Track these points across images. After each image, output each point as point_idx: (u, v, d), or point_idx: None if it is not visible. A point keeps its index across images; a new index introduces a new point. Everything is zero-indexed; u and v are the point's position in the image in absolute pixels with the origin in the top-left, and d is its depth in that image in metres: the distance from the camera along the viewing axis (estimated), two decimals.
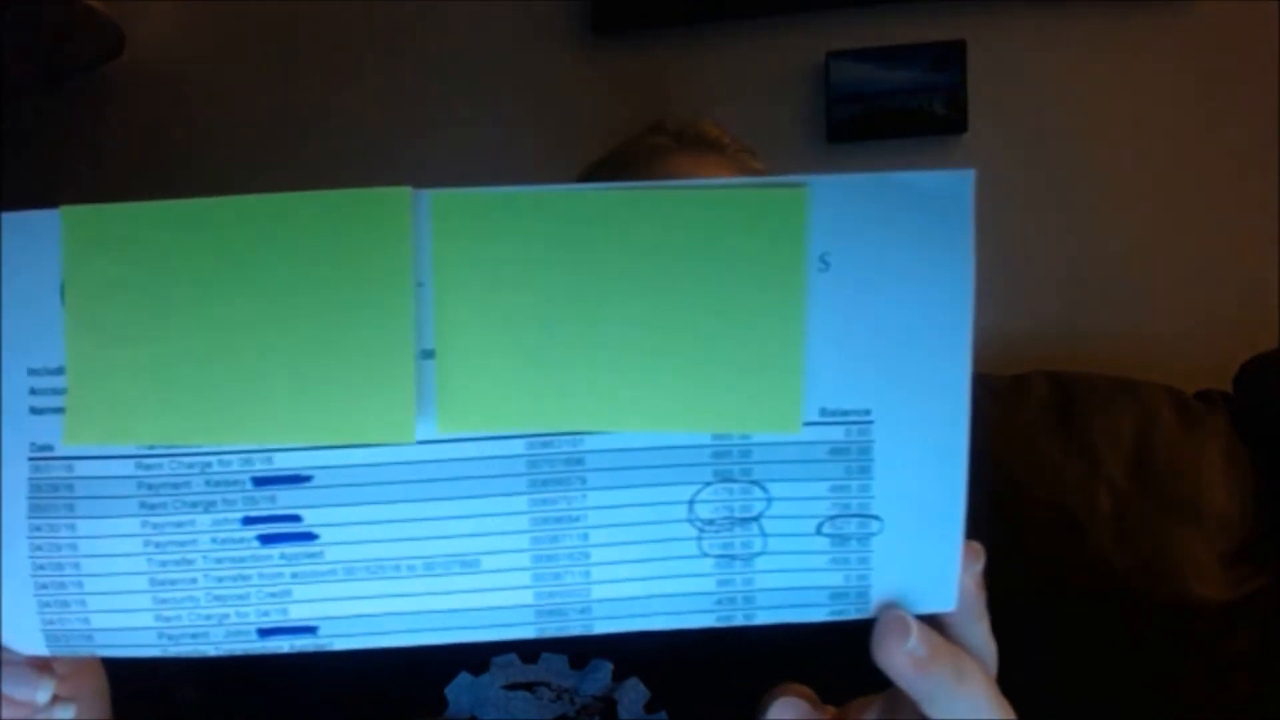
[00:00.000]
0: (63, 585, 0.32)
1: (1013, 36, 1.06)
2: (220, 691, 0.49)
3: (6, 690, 0.32)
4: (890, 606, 0.32)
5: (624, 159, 0.70)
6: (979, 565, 0.32)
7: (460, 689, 0.50)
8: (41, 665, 0.32)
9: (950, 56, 1.06)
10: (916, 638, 0.31)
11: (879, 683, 0.39)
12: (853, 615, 0.33)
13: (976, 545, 0.32)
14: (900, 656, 0.31)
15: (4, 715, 0.32)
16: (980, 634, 0.33)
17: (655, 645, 0.48)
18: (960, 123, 1.05)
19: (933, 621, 0.33)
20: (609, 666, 0.51)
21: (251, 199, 0.31)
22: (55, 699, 0.33)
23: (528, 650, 0.51)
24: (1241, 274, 1.02)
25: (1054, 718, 0.37)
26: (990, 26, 1.06)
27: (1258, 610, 0.76)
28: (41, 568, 0.32)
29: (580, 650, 0.52)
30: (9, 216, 0.31)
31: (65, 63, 1.16)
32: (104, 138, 1.20)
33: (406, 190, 0.30)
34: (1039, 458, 0.81)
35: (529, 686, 0.50)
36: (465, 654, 0.51)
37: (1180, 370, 0.91)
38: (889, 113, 1.07)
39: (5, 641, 0.32)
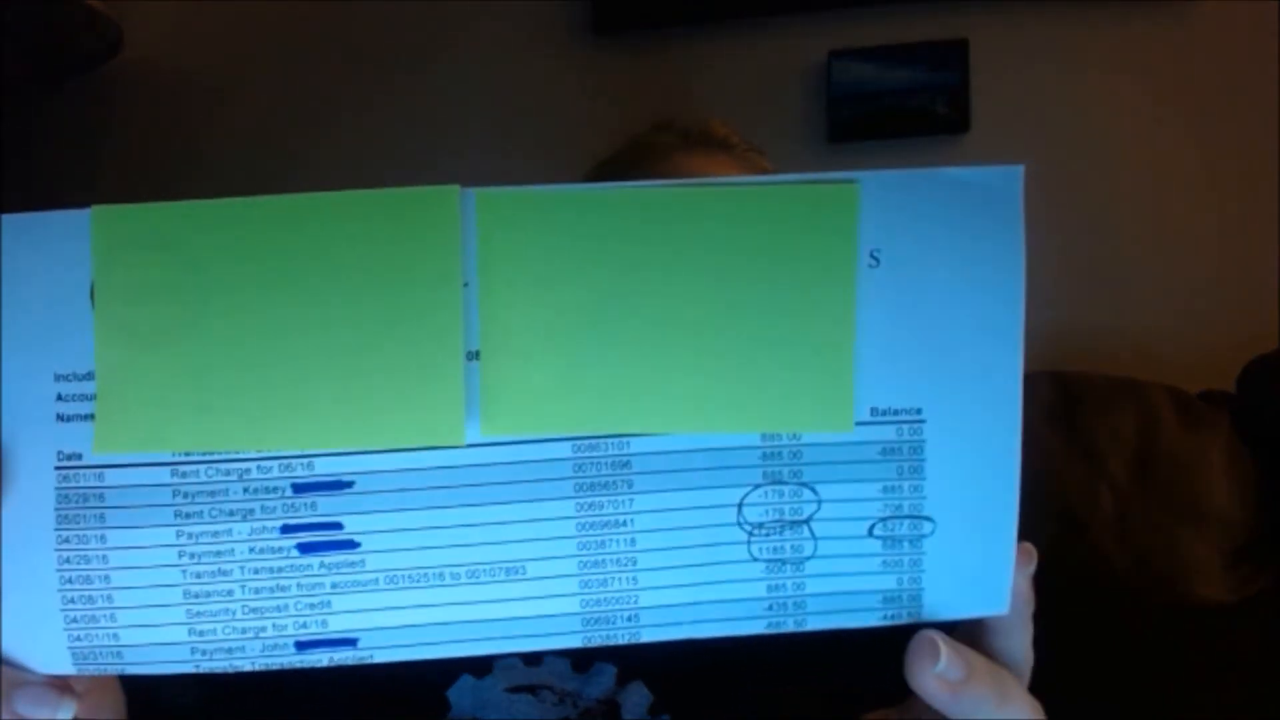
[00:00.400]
0: (91, 600, 0.30)
1: (1015, 36, 1.06)
2: (219, 694, 0.49)
3: (25, 711, 0.30)
4: (922, 629, 0.31)
5: (631, 157, 0.70)
6: (1031, 567, 0.32)
7: (463, 691, 0.50)
8: (61, 685, 0.31)
9: (952, 56, 1.05)
10: (946, 660, 0.30)
11: (888, 688, 0.39)
12: (905, 620, 0.32)
13: (1029, 546, 0.31)
14: (930, 680, 0.30)
15: None
16: (1024, 643, 0.32)
17: (659, 649, 0.48)
18: (962, 122, 1.05)
19: (978, 626, 0.32)
20: (612, 670, 0.51)
21: (293, 198, 0.30)
22: None
23: (530, 653, 0.51)
24: (1242, 274, 1.02)
25: (1054, 718, 0.37)
26: (992, 26, 1.06)
27: (1259, 611, 0.76)
28: (69, 581, 0.30)
29: (583, 653, 0.51)
30: (37, 216, 0.30)
31: (64, 61, 1.16)
32: (103, 137, 1.20)
33: (455, 189, 0.30)
34: (1041, 457, 0.81)
35: (531, 689, 0.50)
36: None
37: (1183, 370, 0.90)
38: (891, 112, 1.07)
39: (27, 660, 0.31)
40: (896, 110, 1.06)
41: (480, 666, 0.50)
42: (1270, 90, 1.01)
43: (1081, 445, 0.81)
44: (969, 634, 0.32)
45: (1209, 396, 0.86)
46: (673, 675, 0.50)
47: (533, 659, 0.51)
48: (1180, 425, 0.82)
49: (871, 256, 0.30)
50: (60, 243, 0.30)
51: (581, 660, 0.51)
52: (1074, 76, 1.05)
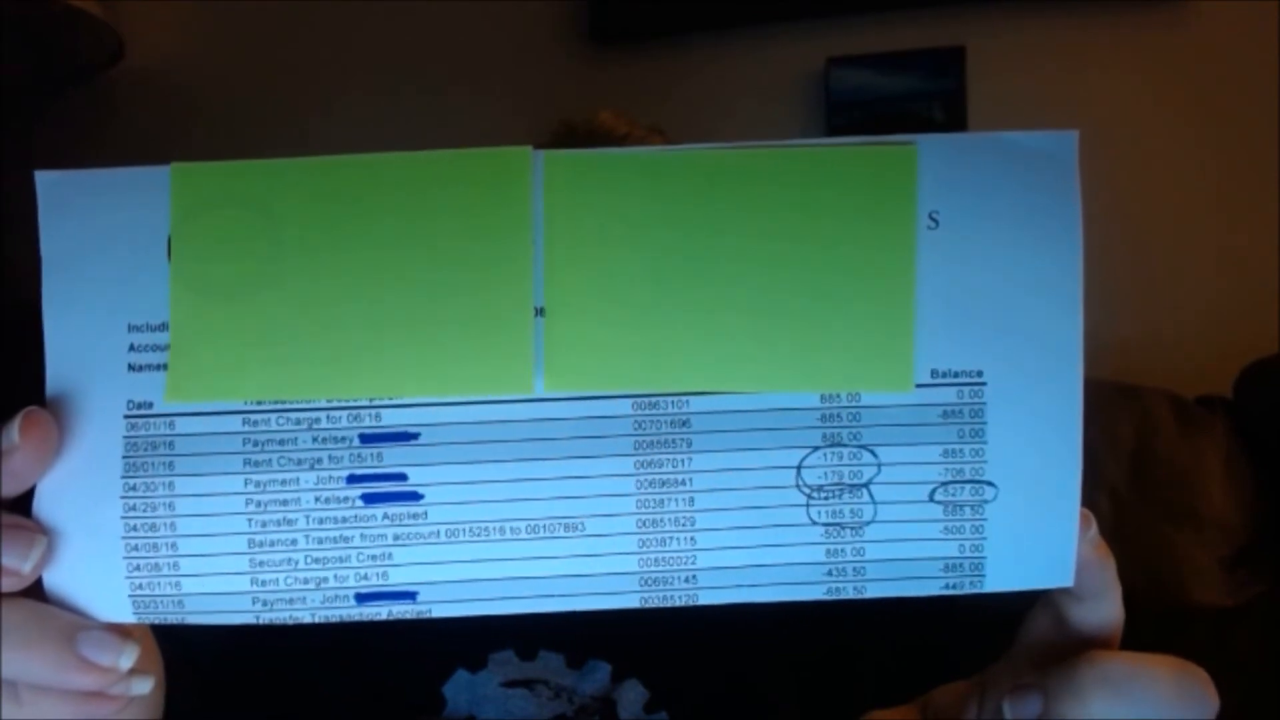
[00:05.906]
0: (155, 547, 0.30)
1: (1012, 42, 1.07)
2: (215, 688, 0.49)
3: (91, 655, 0.29)
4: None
5: None
6: (1093, 530, 0.31)
7: (458, 687, 0.50)
8: (124, 631, 0.30)
9: (950, 62, 1.06)
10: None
11: (893, 684, 0.39)
12: (967, 589, 0.31)
13: (1086, 510, 0.31)
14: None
15: (79, 683, 0.29)
16: (1113, 606, 0.32)
17: (654, 646, 0.48)
18: (959, 128, 1.06)
19: (1065, 600, 0.31)
20: (607, 668, 0.51)
21: (369, 157, 0.31)
22: (132, 671, 0.30)
23: (525, 647, 0.51)
24: (1240, 278, 1.02)
25: None
26: (989, 33, 1.06)
27: (1257, 615, 0.76)
28: (134, 529, 0.30)
29: (578, 649, 0.51)
30: (117, 172, 0.31)
31: (64, 69, 1.16)
32: (104, 143, 1.20)
33: (528, 149, 0.30)
34: None
35: (527, 684, 0.50)
36: (462, 650, 0.51)
37: (1180, 375, 0.90)
38: (889, 119, 1.07)
39: (87, 607, 0.30)
40: (894, 117, 1.07)
41: (475, 661, 0.50)
42: (1270, 92, 1.01)
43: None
44: (1058, 603, 0.32)
45: (1206, 401, 0.86)
46: (668, 672, 0.50)
47: (528, 653, 0.51)
48: (1178, 430, 0.82)
49: (930, 218, 0.31)
50: (138, 197, 0.31)
51: (575, 656, 0.51)
52: (1071, 82, 1.06)
